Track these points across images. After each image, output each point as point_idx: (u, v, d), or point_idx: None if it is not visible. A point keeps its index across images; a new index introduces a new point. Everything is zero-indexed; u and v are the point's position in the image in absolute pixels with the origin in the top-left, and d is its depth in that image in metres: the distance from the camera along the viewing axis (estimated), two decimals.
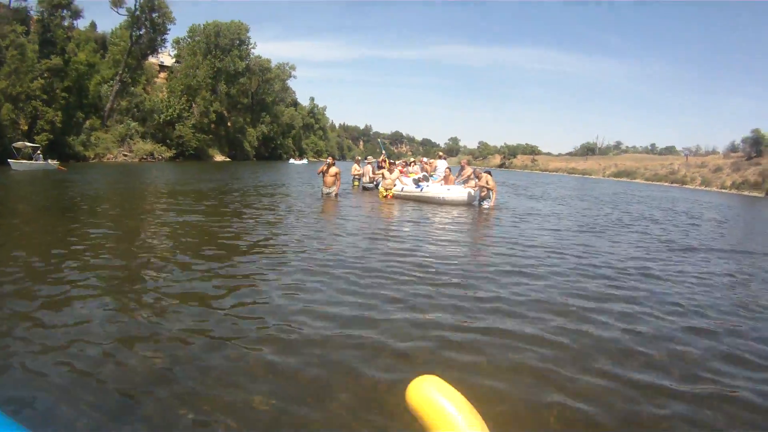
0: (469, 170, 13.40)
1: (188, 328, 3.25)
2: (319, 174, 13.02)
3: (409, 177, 14.29)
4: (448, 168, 14.13)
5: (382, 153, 17.83)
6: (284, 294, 4.04)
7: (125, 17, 41.20)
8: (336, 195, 12.65)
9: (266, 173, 26.58)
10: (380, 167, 15.65)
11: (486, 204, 11.97)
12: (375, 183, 15.61)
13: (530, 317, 3.73)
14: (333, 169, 12.59)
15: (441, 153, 17.64)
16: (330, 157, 13.38)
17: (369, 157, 18.39)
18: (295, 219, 8.74)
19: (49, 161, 22.81)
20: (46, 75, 29.59)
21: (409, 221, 9.18)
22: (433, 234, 7.84)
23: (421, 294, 4.18)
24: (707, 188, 42.54)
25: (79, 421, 2.19)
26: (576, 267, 5.59)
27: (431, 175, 14.51)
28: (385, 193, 13.79)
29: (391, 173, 14.15)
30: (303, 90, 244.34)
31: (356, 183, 16.62)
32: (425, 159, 17.75)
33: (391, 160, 16.41)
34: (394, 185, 13.75)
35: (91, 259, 4.98)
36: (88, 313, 3.45)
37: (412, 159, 17.56)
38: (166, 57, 56.56)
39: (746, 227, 13.27)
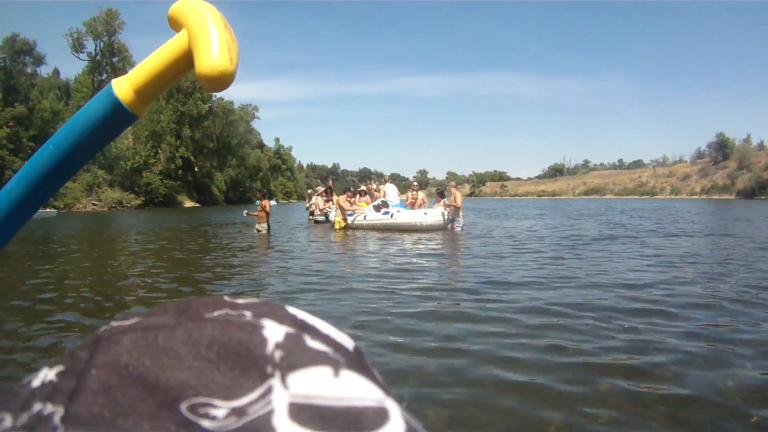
0: (458, 195, 11.89)
1: None
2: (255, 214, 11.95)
3: (362, 206, 13.06)
4: (416, 192, 13.18)
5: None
6: None
7: (86, 62, 40.01)
8: (268, 231, 11.47)
9: (225, 214, 24.05)
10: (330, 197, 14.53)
11: (457, 225, 11.20)
12: (326, 215, 14.46)
13: None
14: (263, 204, 11.72)
15: (387, 177, 16.38)
16: (258, 192, 12.26)
17: (318, 187, 17.40)
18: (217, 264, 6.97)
19: (48, 209, 22.01)
20: (11, 123, 27.86)
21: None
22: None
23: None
24: (676, 196, 44.40)
25: None
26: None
27: (391, 203, 13.00)
28: (343, 225, 12.43)
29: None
30: (268, 131, 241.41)
31: (311, 217, 15.42)
32: (374, 186, 15.82)
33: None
34: (348, 215, 12.54)
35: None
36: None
37: (362, 187, 15.35)
38: None
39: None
